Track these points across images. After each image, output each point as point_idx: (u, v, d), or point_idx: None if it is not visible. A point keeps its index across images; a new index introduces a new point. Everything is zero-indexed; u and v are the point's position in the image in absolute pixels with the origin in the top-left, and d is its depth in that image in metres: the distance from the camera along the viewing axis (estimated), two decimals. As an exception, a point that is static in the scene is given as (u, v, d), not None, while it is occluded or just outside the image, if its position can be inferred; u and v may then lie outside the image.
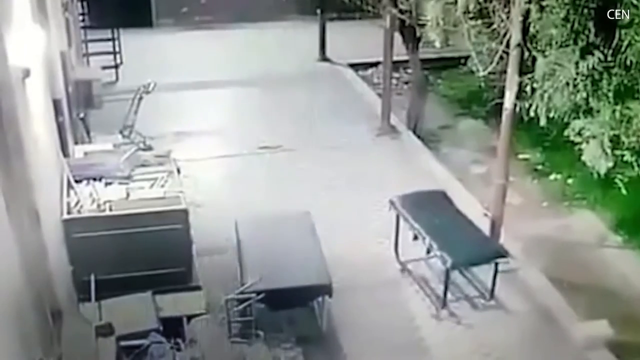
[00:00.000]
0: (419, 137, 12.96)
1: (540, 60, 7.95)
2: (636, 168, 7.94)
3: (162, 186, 8.48)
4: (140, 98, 12.11)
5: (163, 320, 7.31)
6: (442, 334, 8.24)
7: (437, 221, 8.69)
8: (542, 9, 7.81)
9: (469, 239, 8.59)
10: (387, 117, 13.10)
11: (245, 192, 10.76)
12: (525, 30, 8.12)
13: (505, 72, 8.61)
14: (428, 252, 8.68)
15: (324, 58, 16.93)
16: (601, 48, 7.44)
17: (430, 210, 8.97)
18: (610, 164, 7.82)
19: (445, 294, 8.47)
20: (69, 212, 7.79)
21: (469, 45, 9.03)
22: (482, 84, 11.64)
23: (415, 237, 8.82)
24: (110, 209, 7.91)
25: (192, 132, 12.82)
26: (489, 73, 9.09)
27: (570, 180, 11.63)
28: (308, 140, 12.49)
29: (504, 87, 8.69)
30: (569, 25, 7.54)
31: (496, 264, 8.43)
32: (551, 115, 8.05)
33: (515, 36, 8.18)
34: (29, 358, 5.48)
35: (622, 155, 7.77)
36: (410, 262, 9.22)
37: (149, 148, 11.05)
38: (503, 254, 8.47)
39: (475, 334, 8.21)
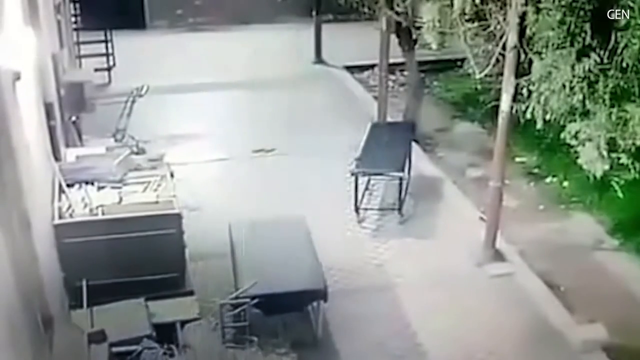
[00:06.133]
0: (414, 139, 12.89)
1: (536, 63, 7.91)
2: (632, 171, 7.91)
3: (155, 190, 8.40)
4: (133, 101, 12.04)
5: (156, 326, 7.21)
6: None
7: (379, 142, 10.68)
8: (538, 11, 7.77)
9: (386, 157, 10.27)
10: (383, 119, 13.03)
11: (239, 195, 10.68)
12: (521, 32, 8.08)
13: (501, 74, 8.57)
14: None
15: (319, 60, 16.83)
16: (597, 50, 7.39)
17: (384, 134, 11.03)
18: (607, 167, 7.80)
19: (355, 198, 10.23)
20: (60, 217, 7.70)
21: (465, 48, 9.01)
22: (479, 87, 11.57)
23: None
24: (103, 214, 7.82)
25: (185, 136, 12.72)
26: (486, 75, 9.04)
27: (566, 183, 11.58)
28: (302, 144, 12.40)
29: (500, 89, 8.64)
30: (565, 28, 7.49)
31: (400, 179, 10.10)
32: (547, 117, 8.01)
33: (512, 38, 8.14)
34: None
35: (619, 158, 7.74)
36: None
37: (142, 152, 10.98)
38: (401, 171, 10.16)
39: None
